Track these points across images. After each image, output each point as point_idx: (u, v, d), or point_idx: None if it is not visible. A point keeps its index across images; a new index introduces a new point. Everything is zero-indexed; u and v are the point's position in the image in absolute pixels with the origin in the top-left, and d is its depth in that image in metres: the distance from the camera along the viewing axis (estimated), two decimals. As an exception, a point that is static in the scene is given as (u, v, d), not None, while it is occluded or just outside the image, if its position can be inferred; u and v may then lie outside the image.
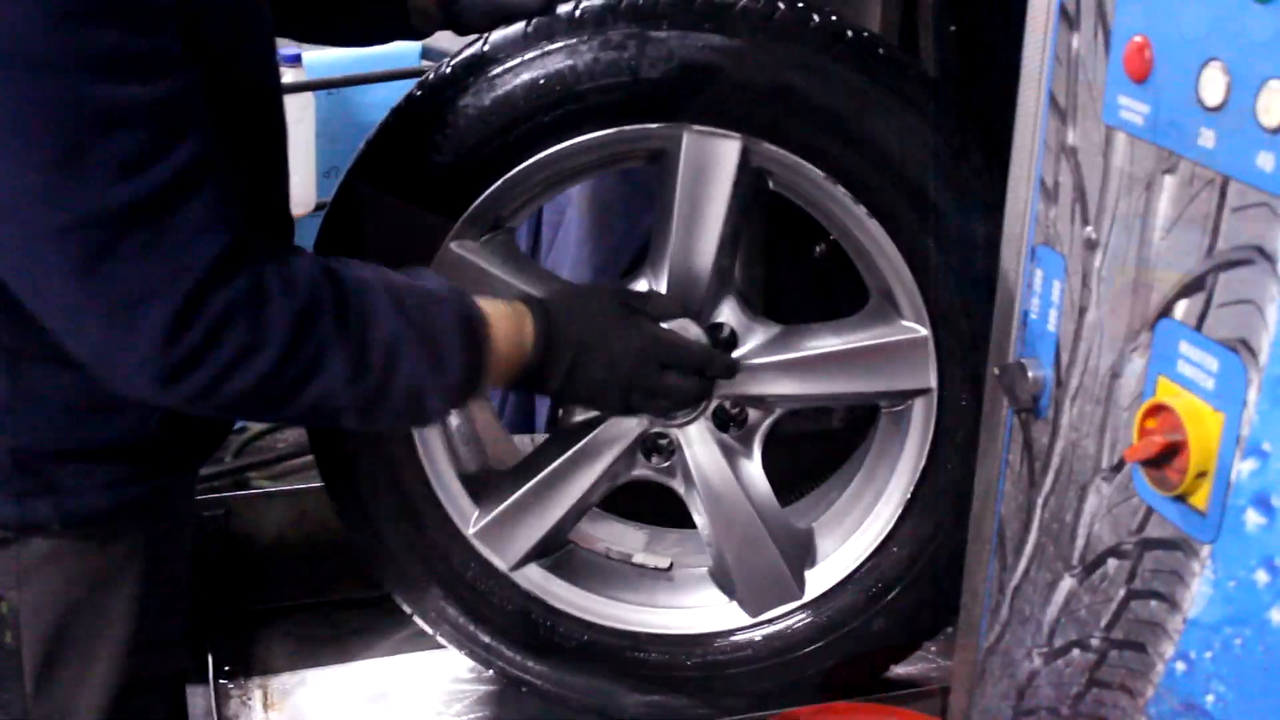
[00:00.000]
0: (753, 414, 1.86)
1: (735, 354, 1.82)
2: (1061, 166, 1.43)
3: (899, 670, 2.04)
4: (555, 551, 1.96)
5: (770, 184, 1.80)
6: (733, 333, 1.82)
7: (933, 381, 1.79)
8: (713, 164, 1.72)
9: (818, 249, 2.21)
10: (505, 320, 1.51)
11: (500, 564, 1.91)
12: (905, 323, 1.80)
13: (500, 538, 1.89)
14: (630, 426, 1.83)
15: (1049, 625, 1.55)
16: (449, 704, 2.07)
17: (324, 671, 2.16)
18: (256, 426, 3.20)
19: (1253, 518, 1.20)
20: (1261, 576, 1.20)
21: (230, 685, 2.11)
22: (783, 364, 1.82)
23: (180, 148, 1.23)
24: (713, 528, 1.89)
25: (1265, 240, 1.15)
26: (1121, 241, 1.35)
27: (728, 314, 1.82)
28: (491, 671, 1.99)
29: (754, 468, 1.89)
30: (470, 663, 2.06)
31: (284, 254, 1.34)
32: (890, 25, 2.08)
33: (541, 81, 1.66)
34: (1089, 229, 1.40)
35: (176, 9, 1.23)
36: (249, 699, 2.09)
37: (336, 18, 1.81)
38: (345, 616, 2.29)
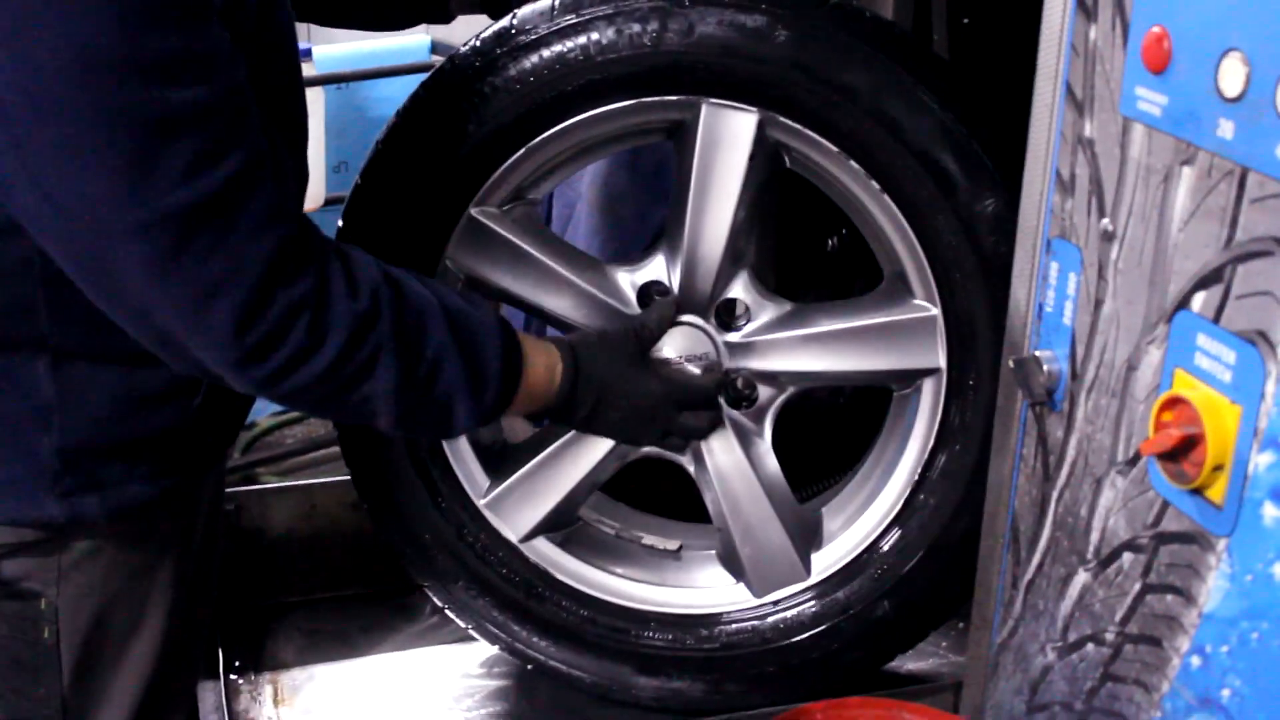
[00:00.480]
0: (764, 392, 1.87)
1: (746, 329, 1.84)
2: (1078, 158, 1.43)
3: (911, 665, 2.04)
4: (565, 526, 1.97)
5: (786, 162, 1.83)
6: (746, 308, 1.85)
7: (942, 361, 1.80)
8: (730, 137, 1.76)
9: (830, 242, 2.21)
10: (540, 358, 1.60)
11: (510, 535, 1.92)
12: (916, 301, 1.82)
13: (510, 509, 1.91)
14: None
15: (1063, 620, 1.54)
16: (459, 699, 2.07)
17: (334, 666, 2.16)
18: (265, 423, 3.20)
19: (1270, 511, 1.20)
20: (1278, 570, 1.20)
21: (240, 680, 2.11)
22: (794, 340, 1.84)
23: (241, 146, 1.27)
24: (722, 505, 1.89)
25: (1284, 231, 1.15)
26: (1138, 233, 1.35)
27: (740, 289, 1.84)
28: (497, 648, 1.99)
29: (764, 446, 1.90)
30: (480, 658, 2.06)
31: (348, 254, 1.39)
32: (904, 17, 2.08)
33: (565, 53, 1.71)
34: (1105, 221, 1.39)
35: (222, 5, 1.26)
36: (259, 694, 2.09)
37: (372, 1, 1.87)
38: (355, 611, 2.29)
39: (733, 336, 1.84)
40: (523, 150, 1.77)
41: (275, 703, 2.07)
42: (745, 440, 1.87)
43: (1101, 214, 1.40)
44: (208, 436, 1.55)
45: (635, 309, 1.84)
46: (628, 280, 1.85)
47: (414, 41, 3.60)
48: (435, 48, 3.63)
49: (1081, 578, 1.50)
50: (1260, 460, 1.21)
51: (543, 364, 1.61)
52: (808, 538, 1.93)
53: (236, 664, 2.13)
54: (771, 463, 1.91)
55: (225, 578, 2.23)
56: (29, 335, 1.37)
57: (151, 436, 1.46)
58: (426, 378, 1.43)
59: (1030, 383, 1.52)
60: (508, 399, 1.54)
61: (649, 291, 1.85)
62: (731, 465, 1.87)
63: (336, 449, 3.23)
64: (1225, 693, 1.29)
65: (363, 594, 2.31)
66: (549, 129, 1.76)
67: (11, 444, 1.41)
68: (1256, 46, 1.16)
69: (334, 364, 1.34)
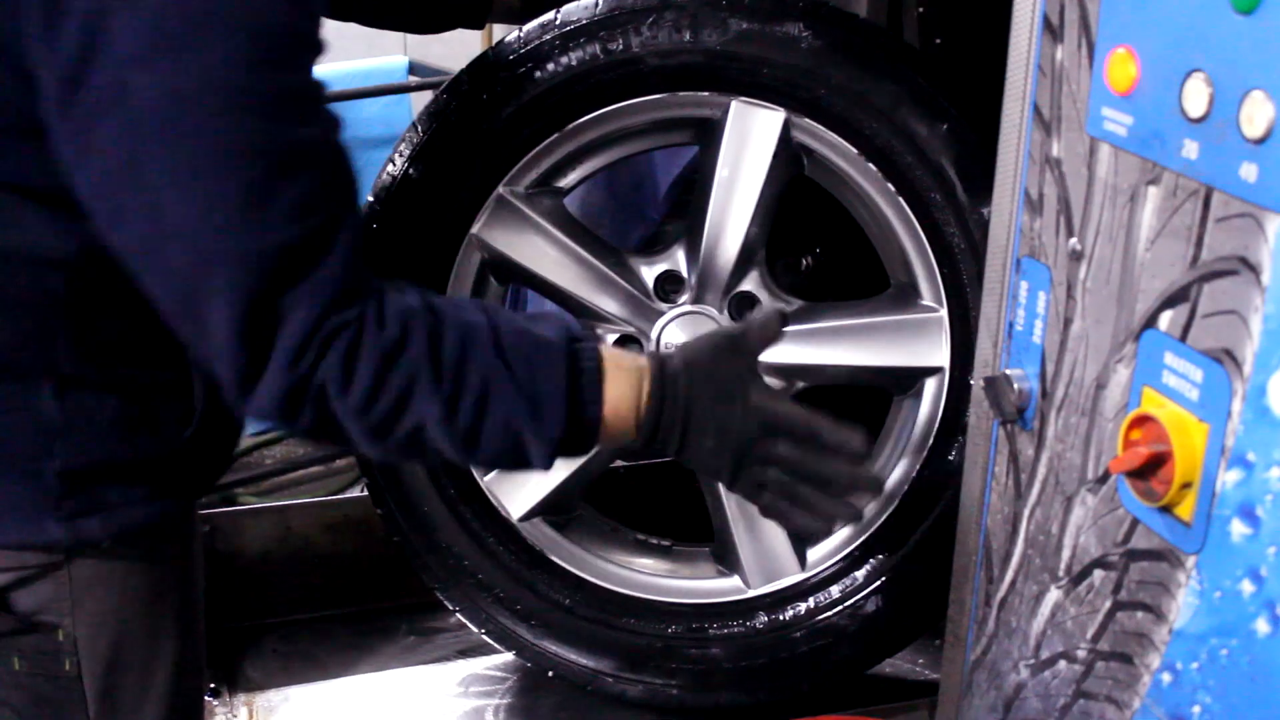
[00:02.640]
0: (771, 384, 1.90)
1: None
2: (1046, 178, 1.44)
3: (886, 683, 2.04)
4: (564, 511, 2.01)
5: (806, 167, 1.91)
6: (758, 302, 1.92)
7: (945, 361, 1.84)
8: (756, 133, 1.86)
9: (805, 261, 2.24)
10: (625, 382, 1.44)
11: (510, 513, 1.95)
12: (924, 302, 1.89)
13: (512, 488, 1.94)
14: None
15: (1035, 637, 1.54)
16: (436, 719, 2.07)
17: (309, 688, 2.15)
18: (244, 443, 3.20)
19: (1238, 528, 1.20)
20: (1247, 587, 1.20)
21: (215, 702, 2.10)
22: (803, 333, 1.91)
23: (345, 185, 1.30)
24: (723, 500, 1.92)
25: (1249, 251, 1.16)
26: (1106, 253, 1.35)
27: (753, 284, 1.91)
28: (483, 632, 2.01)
29: None
30: (457, 677, 2.06)
31: (384, 289, 1.36)
32: (877, 15, 2.11)
33: (606, 44, 1.81)
34: (1074, 240, 1.40)
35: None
36: (234, 715, 2.08)
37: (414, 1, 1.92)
38: (331, 632, 2.29)
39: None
40: (556, 134, 1.86)
41: (250, 724, 2.07)
42: None
43: (1070, 233, 1.41)
44: (201, 462, 1.55)
45: (653, 297, 1.90)
46: (646, 269, 1.92)
47: (392, 63, 3.61)
48: (413, 68, 3.64)
49: (1053, 595, 1.50)
50: (1228, 478, 1.21)
51: (627, 387, 1.44)
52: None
53: (212, 685, 2.12)
54: None
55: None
56: (43, 364, 1.38)
57: (146, 460, 1.46)
58: (475, 408, 1.36)
59: (1001, 401, 1.52)
60: (580, 424, 1.41)
61: (665, 281, 1.92)
62: None
63: (315, 469, 3.24)
64: (1196, 709, 1.29)
65: (339, 615, 2.31)
66: (583, 115, 1.85)
67: (15, 467, 1.40)
68: (1219, 68, 1.17)
69: (366, 398, 1.32)
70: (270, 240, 1.24)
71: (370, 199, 1.89)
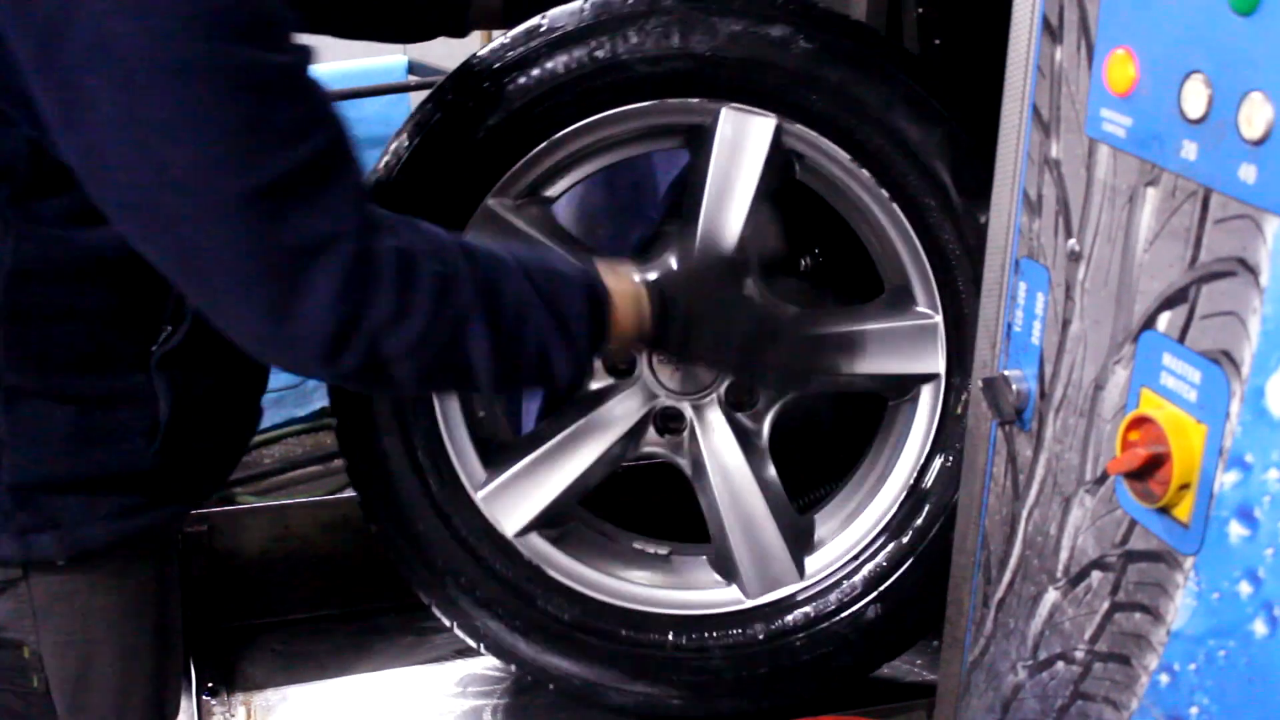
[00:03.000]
0: (764, 396, 1.89)
1: None
2: (1045, 179, 1.44)
3: (884, 684, 2.04)
4: (559, 524, 1.99)
5: (797, 171, 1.89)
6: None
7: (941, 367, 1.83)
8: (747, 141, 1.82)
9: (804, 261, 2.23)
10: (627, 295, 1.56)
11: (505, 529, 1.93)
12: (919, 309, 1.87)
13: (505, 504, 1.92)
14: (641, 402, 1.85)
15: (1033, 638, 1.54)
16: (433, 719, 2.07)
17: (307, 687, 2.15)
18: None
19: (1236, 529, 1.20)
20: (1245, 588, 1.20)
21: (213, 701, 2.10)
22: None
23: (330, 114, 1.28)
24: (719, 507, 1.90)
25: (1247, 252, 1.16)
26: (1105, 254, 1.35)
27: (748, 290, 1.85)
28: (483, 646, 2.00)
29: (763, 448, 1.91)
30: (455, 677, 2.06)
31: (418, 223, 1.38)
32: (876, 17, 2.10)
33: (593, 51, 1.77)
34: (1072, 241, 1.40)
35: None
36: (232, 714, 2.08)
37: (392, 12, 1.90)
38: (329, 632, 2.29)
39: None
40: (544, 144, 1.82)
41: (248, 723, 2.07)
42: (746, 442, 1.89)
43: (1068, 234, 1.41)
44: (181, 478, 1.51)
45: None
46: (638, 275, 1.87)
47: (391, 62, 3.61)
48: (412, 68, 3.64)
49: (1051, 596, 1.50)
50: (1226, 479, 1.21)
51: (630, 299, 1.57)
52: (801, 541, 1.94)
53: (210, 685, 2.12)
54: (769, 466, 1.92)
55: (199, 598, 2.23)
56: None
57: (110, 475, 1.43)
58: (514, 331, 1.41)
59: (1000, 402, 1.52)
60: (600, 335, 1.52)
61: None
62: (733, 467, 1.88)
63: (314, 469, 3.24)
64: (1194, 710, 1.29)
65: (337, 615, 2.31)
66: (571, 124, 1.81)
67: None
68: (1218, 69, 1.17)
69: (427, 326, 1.32)
70: (275, 167, 1.21)
71: None
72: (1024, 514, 1.54)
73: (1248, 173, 1.14)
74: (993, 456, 1.60)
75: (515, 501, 1.92)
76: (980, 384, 1.57)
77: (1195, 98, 1.19)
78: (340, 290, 1.25)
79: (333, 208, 1.26)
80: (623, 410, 1.89)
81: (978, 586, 1.66)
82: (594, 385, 1.91)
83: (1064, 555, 1.47)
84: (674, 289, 1.62)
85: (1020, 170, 1.48)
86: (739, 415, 1.91)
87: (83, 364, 1.39)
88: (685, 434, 1.91)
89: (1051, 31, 1.40)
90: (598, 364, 1.91)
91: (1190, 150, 1.21)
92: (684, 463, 1.94)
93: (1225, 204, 1.18)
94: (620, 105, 1.81)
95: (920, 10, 1.97)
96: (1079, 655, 1.46)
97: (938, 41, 1.97)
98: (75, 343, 1.38)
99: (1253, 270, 1.15)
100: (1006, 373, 1.52)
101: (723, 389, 1.88)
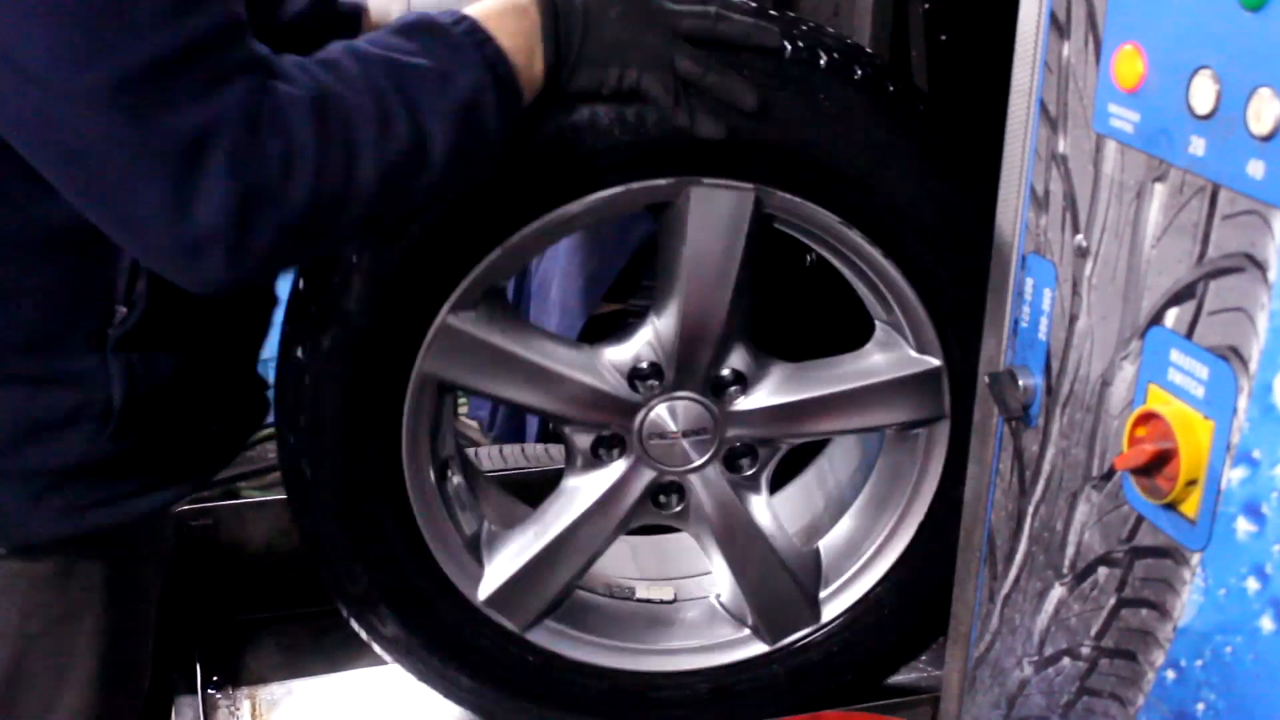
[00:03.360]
0: (763, 451, 1.85)
1: (746, 400, 1.79)
2: (1052, 174, 1.44)
3: (888, 679, 2.04)
4: (562, 605, 1.92)
5: (775, 223, 1.76)
6: (743, 378, 1.79)
7: (947, 409, 1.80)
8: (726, 216, 1.67)
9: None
10: (508, 16, 1.44)
11: (512, 627, 1.86)
12: (914, 354, 1.79)
13: (512, 602, 1.84)
14: (638, 480, 1.81)
15: (1039, 634, 1.54)
16: (436, 714, 2.06)
17: (312, 681, 2.15)
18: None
19: (1243, 525, 1.20)
20: (1252, 584, 1.20)
21: (218, 695, 2.10)
22: (796, 405, 1.81)
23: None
24: (728, 567, 1.88)
25: (1255, 248, 1.16)
26: (1112, 249, 1.35)
27: (738, 360, 1.78)
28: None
29: (764, 500, 1.88)
30: (459, 672, 2.05)
31: (269, 54, 1.28)
32: (881, 36, 2.09)
33: (546, 141, 1.58)
34: (1079, 237, 1.40)
35: None
36: (237, 709, 2.08)
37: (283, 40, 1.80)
38: (334, 626, 2.28)
39: (733, 407, 1.79)
40: (499, 250, 1.65)
41: (253, 717, 2.07)
42: (746, 500, 1.86)
43: (1075, 230, 1.41)
44: (140, 476, 1.44)
45: (626, 391, 1.75)
46: (615, 360, 1.76)
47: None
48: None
49: (1057, 592, 1.50)
50: (1233, 475, 1.21)
51: (510, 15, 1.43)
52: (813, 579, 1.93)
53: (214, 679, 2.12)
54: (772, 513, 1.90)
55: (204, 592, 2.23)
56: None
57: (56, 469, 1.37)
58: (404, 101, 1.30)
59: (1006, 398, 1.52)
60: (496, 56, 1.38)
61: (638, 370, 1.75)
62: (738, 525, 1.85)
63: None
64: (1200, 707, 1.29)
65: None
66: (526, 226, 1.64)
67: None
68: (1227, 64, 1.16)
69: (318, 152, 1.23)
70: (145, 51, 1.14)
71: (310, 346, 1.66)
72: (1030, 510, 1.54)
73: (1256, 168, 1.14)
74: (999, 452, 1.60)
75: (520, 598, 1.84)
76: (986, 379, 1.57)
77: (1203, 93, 1.19)
78: (232, 174, 1.18)
79: (222, 85, 1.18)
80: (621, 492, 1.81)
81: (983, 581, 1.66)
82: (588, 473, 1.82)
83: (1070, 551, 1.47)
84: None
85: (1027, 166, 1.48)
86: (738, 475, 1.85)
87: (31, 344, 1.34)
88: (686, 502, 1.85)
89: (1059, 26, 1.39)
90: (586, 447, 1.80)
91: (1198, 146, 1.21)
92: (688, 528, 1.90)
93: (1233, 199, 1.17)
94: (581, 197, 1.64)
95: (927, 6, 1.96)
96: (1085, 651, 1.46)
97: (944, 37, 1.97)
98: (23, 322, 1.33)
99: (1261, 266, 1.15)
100: (1013, 368, 1.52)
101: (721, 454, 1.82)
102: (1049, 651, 1.53)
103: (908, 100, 1.68)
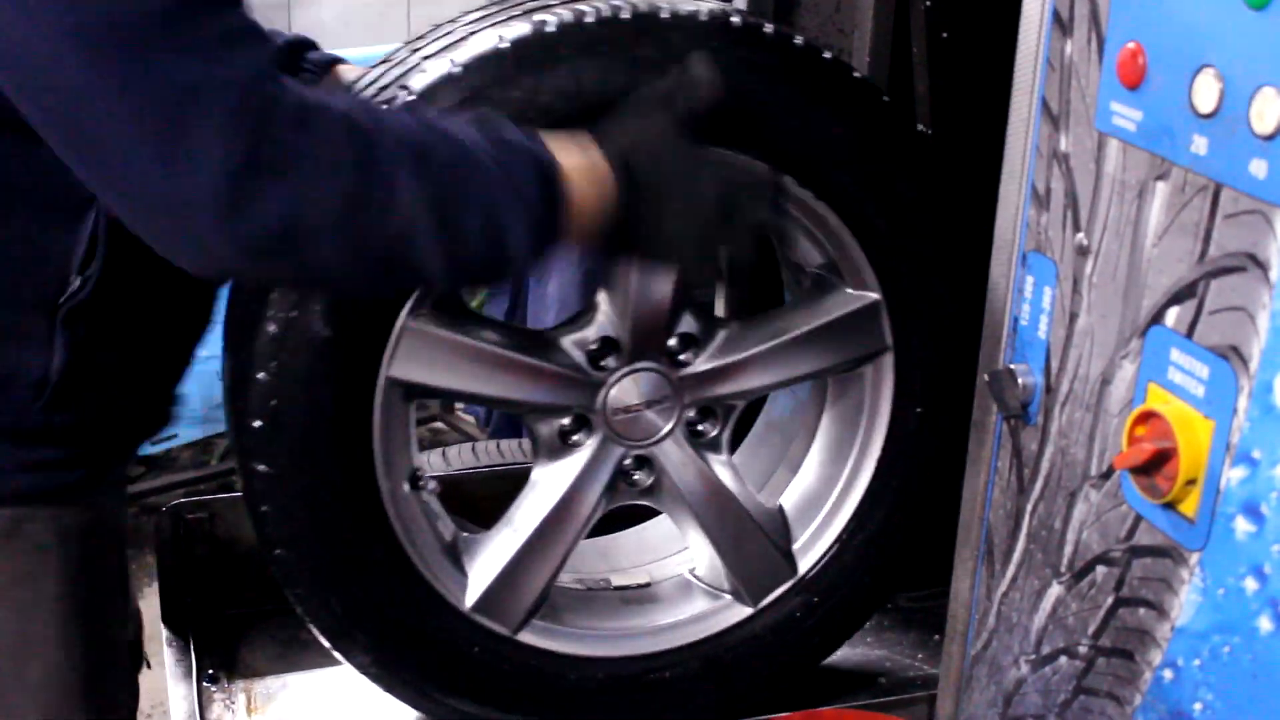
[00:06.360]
0: (721, 411, 1.86)
1: (700, 362, 1.80)
2: (1053, 172, 1.43)
3: (885, 677, 2.04)
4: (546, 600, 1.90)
5: None
6: (695, 340, 1.81)
7: (889, 341, 1.82)
8: None
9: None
10: (577, 162, 1.38)
11: (503, 630, 1.84)
12: (852, 292, 1.81)
13: (500, 605, 1.83)
14: (610, 456, 1.81)
15: (1037, 632, 1.54)
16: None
17: (308, 674, 2.14)
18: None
19: (1242, 525, 1.20)
20: (1250, 584, 1.20)
21: (214, 688, 2.10)
22: (748, 359, 1.82)
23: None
24: (703, 534, 1.89)
25: (1257, 247, 1.16)
26: (1113, 248, 1.35)
27: (688, 324, 1.80)
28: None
29: (726, 460, 1.89)
30: (455, 667, 2.05)
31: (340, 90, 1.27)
32: (882, 33, 2.08)
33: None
34: (1080, 235, 1.40)
35: None
36: (233, 702, 2.08)
37: None
38: (330, 620, 2.28)
39: (688, 371, 1.80)
40: None
41: (249, 711, 2.07)
42: (711, 463, 1.87)
43: (1076, 228, 1.41)
44: (80, 443, 1.42)
45: (590, 371, 1.75)
46: (573, 342, 1.76)
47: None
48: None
49: (1055, 590, 1.50)
50: (1233, 475, 1.21)
51: (585, 170, 1.38)
52: (783, 534, 1.93)
53: (210, 672, 2.12)
54: (735, 474, 1.90)
55: (200, 585, 2.23)
56: None
57: None
58: (454, 189, 1.25)
59: (1005, 396, 1.52)
60: (555, 213, 1.33)
61: (597, 349, 1.76)
62: (707, 489, 1.86)
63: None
64: (1197, 706, 1.29)
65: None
66: None
67: None
68: (1230, 63, 1.16)
69: (359, 179, 1.18)
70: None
71: (273, 363, 1.62)
72: (1028, 508, 1.54)
73: (1258, 168, 1.14)
74: (998, 450, 1.60)
75: (508, 600, 1.82)
76: (986, 378, 1.56)
77: (1206, 92, 1.19)
78: (233, 129, 1.12)
79: (225, 40, 1.14)
80: (592, 474, 1.81)
81: (981, 579, 1.66)
82: (557, 460, 1.82)
83: (1068, 550, 1.47)
84: (633, 148, 1.42)
85: (1029, 163, 1.48)
86: (701, 440, 1.85)
87: None
88: (655, 477, 1.85)
89: (1062, 25, 1.39)
90: (554, 434, 1.79)
91: (1201, 145, 1.21)
92: (660, 503, 1.90)
93: (1235, 199, 1.17)
94: None
95: (928, 3, 1.96)
96: (1082, 650, 1.46)
97: (945, 35, 1.96)
98: None
99: (1262, 265, 1.15)
100: (1013, 366, 1.52)
101: (680, 423, 1.82)
102: (1046, 650, 1.53)
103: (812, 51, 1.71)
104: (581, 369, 1.76)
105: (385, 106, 1.30)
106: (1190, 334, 1.25)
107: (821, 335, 1.83)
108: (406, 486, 1.77)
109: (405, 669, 1.84)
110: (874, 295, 1.81)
